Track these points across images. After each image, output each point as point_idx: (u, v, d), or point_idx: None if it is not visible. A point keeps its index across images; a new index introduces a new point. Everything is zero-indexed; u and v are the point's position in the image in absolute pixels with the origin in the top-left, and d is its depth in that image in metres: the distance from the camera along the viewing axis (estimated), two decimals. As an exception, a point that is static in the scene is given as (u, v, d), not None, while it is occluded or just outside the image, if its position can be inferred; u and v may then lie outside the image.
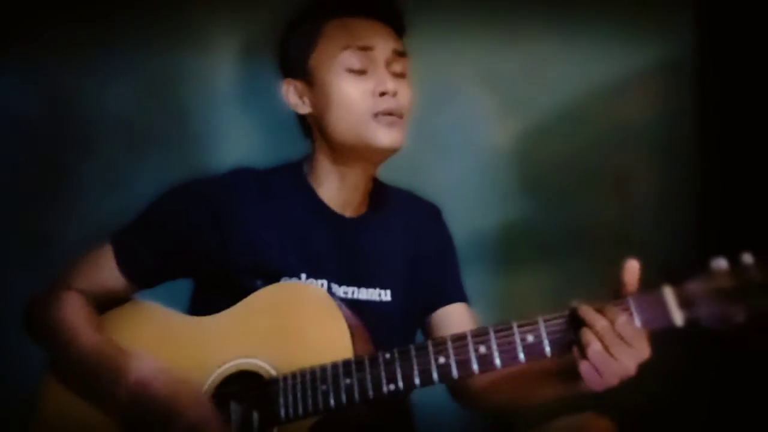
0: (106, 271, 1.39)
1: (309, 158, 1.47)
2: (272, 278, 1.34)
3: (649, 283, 1.87)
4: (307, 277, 1.36)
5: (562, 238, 1.97)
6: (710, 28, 1.91)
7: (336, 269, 1.37)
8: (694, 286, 1.08)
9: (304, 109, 1.43)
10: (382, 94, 1.36)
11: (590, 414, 1.24)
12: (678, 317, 1.08)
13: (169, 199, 1.41)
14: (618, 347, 1.07)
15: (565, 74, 1.99)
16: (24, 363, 1.60)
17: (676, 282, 1.09)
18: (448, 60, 1.95)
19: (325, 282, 1.37)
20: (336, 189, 1.43)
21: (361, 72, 1.37)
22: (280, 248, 1.37)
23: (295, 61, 1.43)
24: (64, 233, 1.90)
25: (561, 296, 1.88)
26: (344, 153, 1.41)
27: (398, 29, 1.44)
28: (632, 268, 1.12)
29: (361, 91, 1.36)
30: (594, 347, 1.07)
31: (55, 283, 1.40)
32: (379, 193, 1.49)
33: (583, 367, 1.09)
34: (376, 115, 1.36)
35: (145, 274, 1.39)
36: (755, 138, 1.77)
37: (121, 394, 1.25)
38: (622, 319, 1.08)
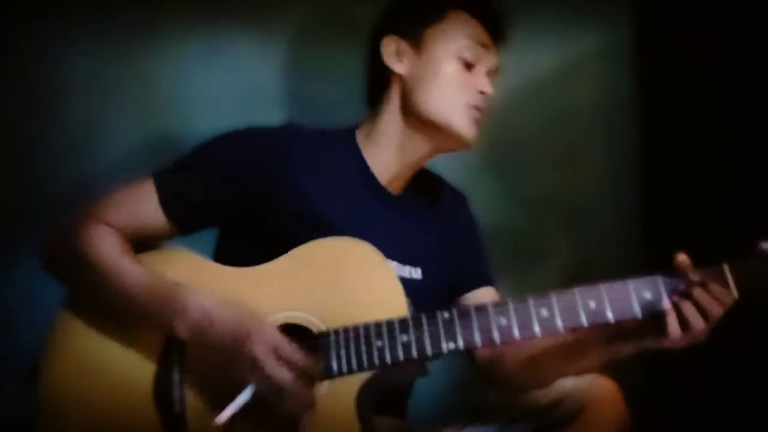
0: (145, 209, 1.33)
1: (367, 126, 1.47)
2: (316, 237, 1.33)
3: (601, 254, 2.07)
4: None
5: (519, 210, 2.09)
6: (648, 14, 2.08)
7: (374, 241, 1.36)
8: (747, 265, 1.20)
9: (400, 68, 1.43)
10: (482, 93, 1.42)
11: (595, 375, 1.33)
12: (735, 292, 1.19)
13: (224, 141, 1.37)
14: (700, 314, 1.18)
15: (519, 56, 2.05)
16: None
17: (731, 261, 1.21)
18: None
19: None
20: (391, 160, 1.45)
21: (470, 66, 1.42)
22: (327, 209, 1.37)
23: (409, 24, 1.44)
24: (17, 202, 1.81)
25: (516, 263, 2.04)
26: (418, 126, 1.43)
27: (500, 50, 1.50)
28: (683, 259, 1.22)
29: (466, 81, 1.41)
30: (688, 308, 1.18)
31: (84, 216, 1.32)
32: (418, 175, 1.52)
33: (671, 320, 1.18)
34: (469, 105, 1.41)
35: (189, 216, 1.35)
36: (693, 113, 1.95)
37: (181, 326, 1.22)
38: (716, 287, 1.18)
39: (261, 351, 1.18)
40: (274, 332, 1.20)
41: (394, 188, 1.47)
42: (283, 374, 1.18)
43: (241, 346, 1.19)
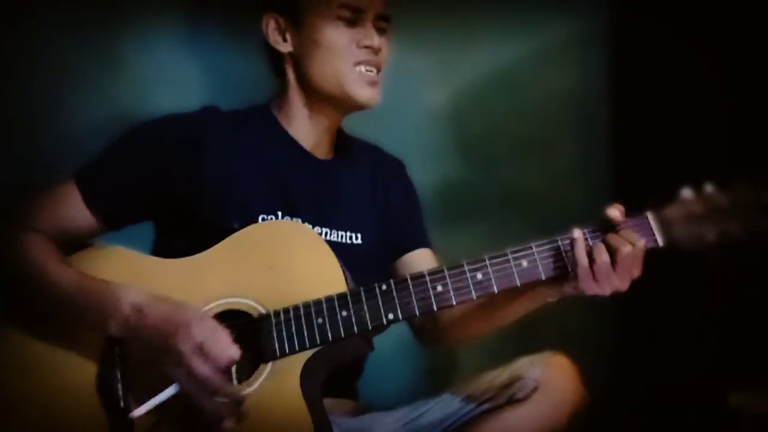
0: (70, 210, 1.34)
1: (278, 99, 1.48)
2: (247, 216, 1.35)
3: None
4: (283, 216, 1.37)
5: (491, 197, 2.08)
6: (622, 2, 2.07)
7: (309, 209, 1.40)
8: (671, 212, 1.20)
9: (285, 47, 1.44)
10: (367, 47, 1.40)
11: (551, 352, 1.32)
12: (660, 239, 1.19)
13: (141, 132, 1.39)
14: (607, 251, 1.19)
15: (493, 42, 2.09)
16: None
17: (654, 209, 1.21)
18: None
19: (299, 221, 1.38)
20: (306, 130, 1.45)
21: (351, 22, 1.40)
22: (255, 185, 1.38)
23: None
24: None
25: (486, 252, 2.02)
26: (319, 97, 1.43)
27: None
28: (617, 209, 1.22)
29: (349, 39, 1.40)
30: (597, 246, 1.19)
31: (8, 224, 1.33)
32: (345, 141, 1.53)
33: (578, 250, 1.20)
34: (357, 64, 1.40)
35: (115, 210, 1.36)
36: (666, 103, 1.94)
37: (114, 323, 1.22)
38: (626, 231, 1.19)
39: (186, 347, 1.17)
40: (203, 328, 1.19)
41: (320, 153, 1.47)
42: (205, 372, 1.17)
43: (168, 342, 1.18)
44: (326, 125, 1.46)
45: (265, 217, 1.36)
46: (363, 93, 1.40)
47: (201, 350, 1.17)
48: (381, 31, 1.43)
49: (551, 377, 1.27)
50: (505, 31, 2.07)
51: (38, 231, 1.32)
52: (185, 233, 1.36)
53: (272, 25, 1.44)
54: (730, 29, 1.77)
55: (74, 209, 1.34)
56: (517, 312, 1.33)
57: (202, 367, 1.17)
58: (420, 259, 1.50)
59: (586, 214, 2.03)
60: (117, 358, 1.25)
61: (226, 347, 1.18)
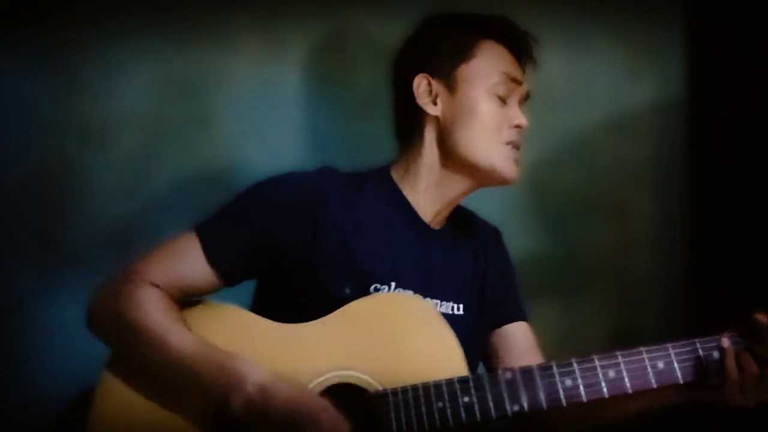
0: (189, 263, 1.31)
1: (402, 163, 1.45)
2: (361, 284, 1.32)
3: (647, 312, 2.04)
4: (396, 287, 1.35)
5: (565, 266, 2.05)
6: (701, 71, 2.07)
7: (421, 280, 1.37)
8: None
9: (434, 110, 1.41)
10: (517, 126, 1.40)
11: None
12: None
13: (262, 189, 1.36)
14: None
15: (571, 109, 2.08)
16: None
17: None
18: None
19: (410, 293, 1.36)
20: (431, 199, 1.43)
21: (503, 100, 1.40)
22: (371, 253, 1.35)
23: (442, 63, 1.41)
24: (69, 234, 1.77)
25: (562, 324, 2.00)
26: (458, 165, 1.40)
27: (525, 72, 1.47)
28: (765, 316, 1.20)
29: (502, 118, 1.39)
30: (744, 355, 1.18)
31: (126, 276, 1.30)
32: (457, 210, 1.50)
33: (729, 360, 1.19)
34: (508, 143, 1.39)
35: (235, 266, 1.33)
36: (744, 172, 1.93)
37: (236, 400, 1.19)
38: None
39: None
40: (329, 421, 1.17)
41: (436, 224, 1.45)
42: None
43: (301, 426, 1.16)
44: (453, 196, 1.44)
45: (378, 286, 1.34)
46: (510, 171, 1.40)
47: None
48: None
49: None
50: (583, 97, 2.06)
51: (156, 285, 1.29)
52: (292, 293, 1.34)
53: (424, 86, 1.41)
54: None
55: (194, 263, 1.31)
56: (632, 410, 1.29)
57: None
58: (518, 333, 1.48)
59: (661, 282, 2.07)
60: None
61: None
